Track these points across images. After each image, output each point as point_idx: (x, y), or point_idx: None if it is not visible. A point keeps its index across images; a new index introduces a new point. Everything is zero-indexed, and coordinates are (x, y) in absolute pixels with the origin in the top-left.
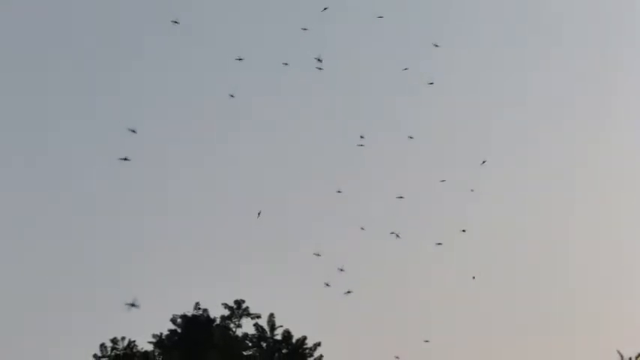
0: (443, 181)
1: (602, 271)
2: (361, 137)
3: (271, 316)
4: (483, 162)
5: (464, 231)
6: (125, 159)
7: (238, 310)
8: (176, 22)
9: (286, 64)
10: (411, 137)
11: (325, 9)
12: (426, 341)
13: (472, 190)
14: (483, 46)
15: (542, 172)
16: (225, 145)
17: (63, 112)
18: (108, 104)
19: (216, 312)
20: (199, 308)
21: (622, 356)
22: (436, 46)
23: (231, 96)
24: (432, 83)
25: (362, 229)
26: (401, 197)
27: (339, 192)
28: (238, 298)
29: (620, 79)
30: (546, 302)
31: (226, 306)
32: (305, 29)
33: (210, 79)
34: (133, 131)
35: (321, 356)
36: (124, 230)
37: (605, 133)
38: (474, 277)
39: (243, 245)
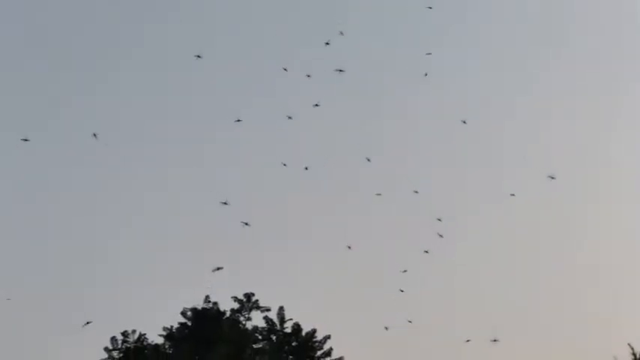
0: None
1: (613, 265)
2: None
3: (281, 309)
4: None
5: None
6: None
7: (248, 303)
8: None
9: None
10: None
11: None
12: (468, 340)
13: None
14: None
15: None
16: (231, 141)
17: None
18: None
19: (226, 305)
20: (209, 301)
21: (633, 349)
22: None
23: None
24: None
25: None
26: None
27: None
28: (248, 291)
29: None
30: (555, 296)
31: (236, 299)
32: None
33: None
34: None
35: (331, 349)
36: (133, 224)
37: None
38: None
39: (252, 239)
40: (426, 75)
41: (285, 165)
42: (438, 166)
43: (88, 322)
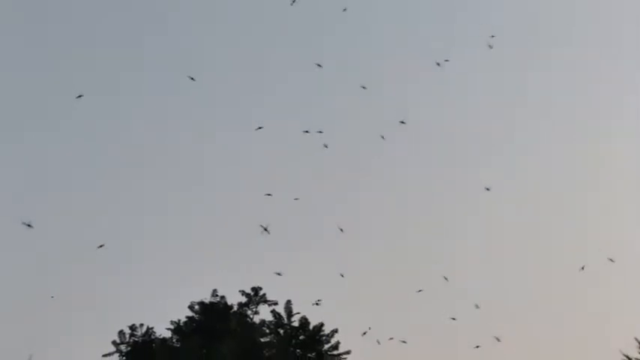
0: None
1: (622, 257)
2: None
3: (288, 302)
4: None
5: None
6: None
7: (255, 297)
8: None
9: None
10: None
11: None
12: (478, 347)
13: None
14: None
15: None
16: (237, 138)
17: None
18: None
19: (234, 299)
20: (217, 295)
21: None
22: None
23: None
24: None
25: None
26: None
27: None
28: (255, 285)
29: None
30: (560, 289)
31: (243, 293)
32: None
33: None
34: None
35: (338, 343)
36: (142, 217)
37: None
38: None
39: (259, 232)
40: None
41: (292, 155)
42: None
43: (101, 245)
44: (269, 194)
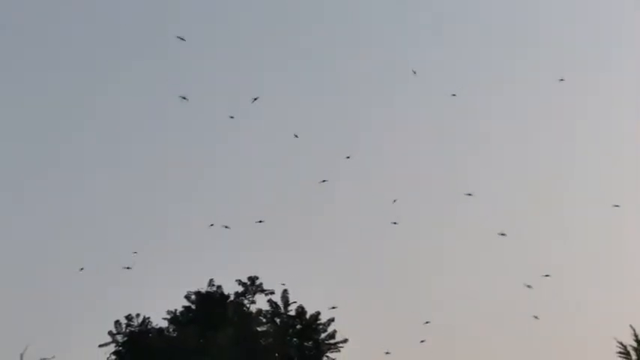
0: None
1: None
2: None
3: (285, 292)
4: None
5: None
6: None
7: (252, 286)
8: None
9: None
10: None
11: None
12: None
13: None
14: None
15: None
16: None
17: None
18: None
19: (230, 288)
20: (213, 285)
21: (634, 330)
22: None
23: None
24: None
25: None
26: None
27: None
28: (252, 274)
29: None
30: (555, 281)
31: (240, 282)
32: None
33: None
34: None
35: (335, 331)
36: (140, 208)
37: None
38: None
39: (257, 225)
40: None
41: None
42: None
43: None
44: (260, 221)
